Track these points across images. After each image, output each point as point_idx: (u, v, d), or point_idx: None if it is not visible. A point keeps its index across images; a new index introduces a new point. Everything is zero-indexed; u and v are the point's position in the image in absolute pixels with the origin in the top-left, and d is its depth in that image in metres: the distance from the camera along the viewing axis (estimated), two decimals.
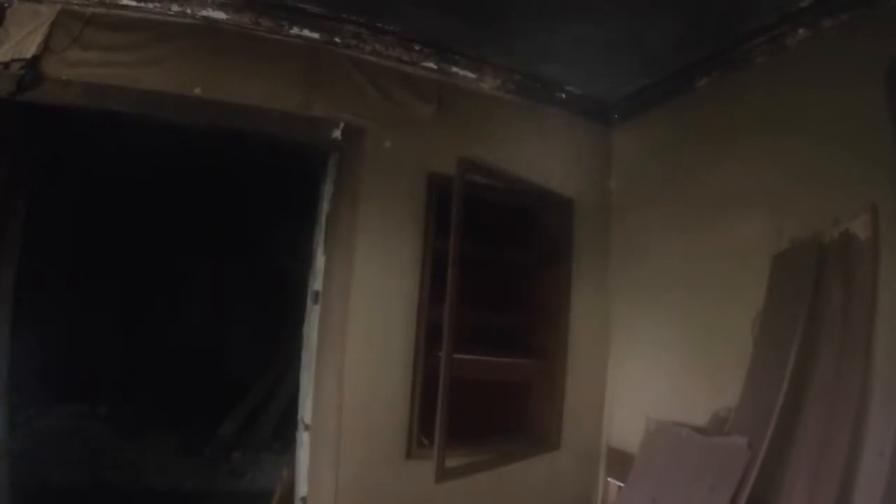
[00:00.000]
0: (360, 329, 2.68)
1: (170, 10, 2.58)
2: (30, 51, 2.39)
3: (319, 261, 2.83)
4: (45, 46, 2.39)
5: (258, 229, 5.28)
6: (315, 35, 2.74)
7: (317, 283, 2.81)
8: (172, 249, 4.88)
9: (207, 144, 3.26)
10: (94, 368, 4.40)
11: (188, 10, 2.61)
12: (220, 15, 2.64)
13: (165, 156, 4.00)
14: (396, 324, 2.74)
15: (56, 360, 3.74)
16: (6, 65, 2.41)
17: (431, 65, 2.94)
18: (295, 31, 2.72)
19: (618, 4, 2.41)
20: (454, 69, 2.99)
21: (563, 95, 3.24)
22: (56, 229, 4.01)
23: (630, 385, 3.09)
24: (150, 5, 2.55)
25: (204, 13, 2.62)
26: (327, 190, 2.88)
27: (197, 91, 2.50)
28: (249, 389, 4.81)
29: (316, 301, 2.80)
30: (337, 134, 2.74)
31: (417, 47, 2.90)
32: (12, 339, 2.59)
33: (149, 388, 4.52)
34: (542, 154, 3.17)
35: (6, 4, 2.60)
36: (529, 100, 3.17)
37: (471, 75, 3.03)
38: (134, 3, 2.55)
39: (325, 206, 2.89)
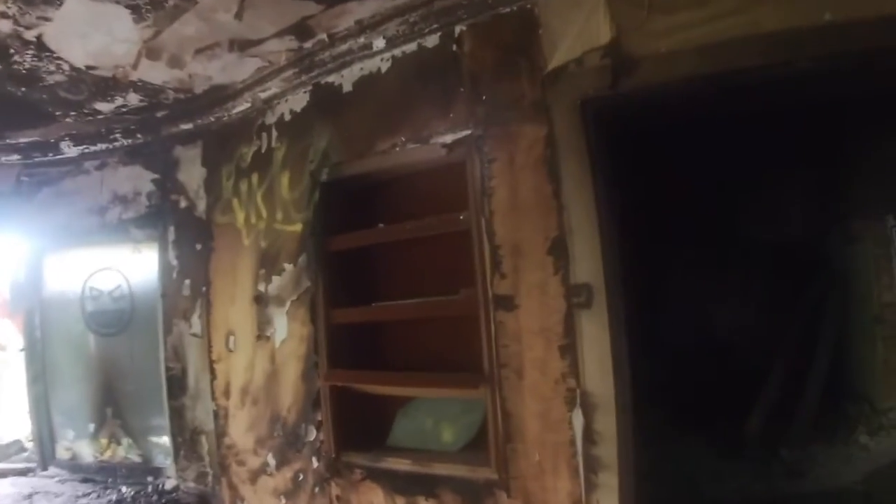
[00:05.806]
0: None
1: None
2: (602, 36, 2.06)
3: None
4: (617, 25, 2.03)
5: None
6: None
7: None
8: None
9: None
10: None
11: None
12: None
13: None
14: None
15: None
16: (578, 61, 2.13)
17: None
18: None
19: None
20: None
21: None
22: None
23: None
24: None
25: None
26: None
27: (827, 17, 1.77)
28: (761, 378, 4.09)
29: None
30: None
31: None
32: None
33: (663, 386, 4.19)
34: None
35: (528, 6, 2.35)
36: None
37: None
38: None
39: None
